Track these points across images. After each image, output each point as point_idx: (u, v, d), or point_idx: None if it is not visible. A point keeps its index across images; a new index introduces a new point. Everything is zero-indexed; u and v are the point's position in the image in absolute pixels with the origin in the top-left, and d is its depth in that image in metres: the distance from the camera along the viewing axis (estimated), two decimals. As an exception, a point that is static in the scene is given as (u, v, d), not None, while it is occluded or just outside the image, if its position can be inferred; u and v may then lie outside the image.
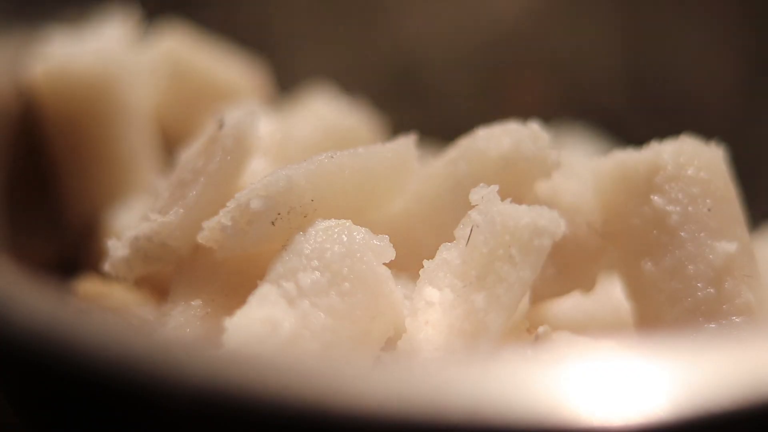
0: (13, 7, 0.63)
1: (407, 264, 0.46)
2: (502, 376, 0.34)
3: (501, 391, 0.33)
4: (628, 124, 0.77)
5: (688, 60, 0.75)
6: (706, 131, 0.78)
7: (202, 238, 0.45)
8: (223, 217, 0.45)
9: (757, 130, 0.75)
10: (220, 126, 0.49)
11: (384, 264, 0.44)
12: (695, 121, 0.76)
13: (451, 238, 0.45)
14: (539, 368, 0.35)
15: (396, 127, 0.71)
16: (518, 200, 0.45)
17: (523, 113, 0.74)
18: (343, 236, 0.44)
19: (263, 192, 0.45)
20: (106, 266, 0.48)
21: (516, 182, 0.48)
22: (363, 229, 0.45)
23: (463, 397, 0.33)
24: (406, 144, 0.48)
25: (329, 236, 0.44)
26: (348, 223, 0.45)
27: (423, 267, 0.45)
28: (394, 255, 0.44)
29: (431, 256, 0.45)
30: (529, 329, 0.45)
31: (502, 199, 0.44)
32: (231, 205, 0.45)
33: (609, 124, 0.77)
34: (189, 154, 0.51)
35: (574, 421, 0.33)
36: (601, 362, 0.35)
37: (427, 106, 0.79)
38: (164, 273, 0.49)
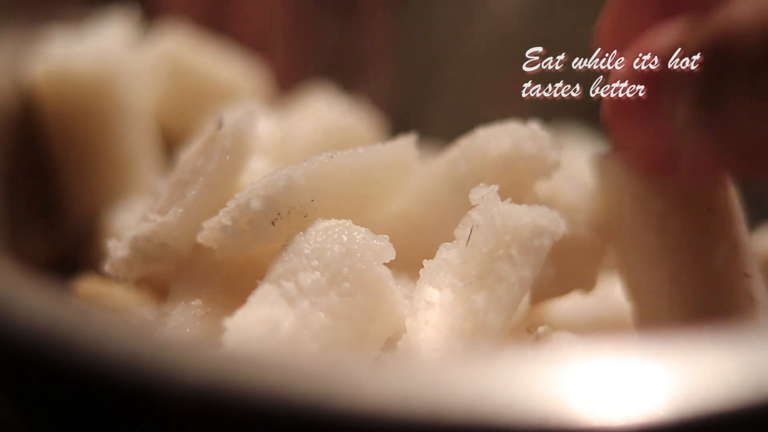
0: (13, 7, 0.63)
1: (407, 264, 0.46)
2: (502, 376, 0.34)
3: (501, 392, 0.33)
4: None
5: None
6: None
7: (202, 238, 0.45)
8: (223, 217, 0.45)
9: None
10: (219, 126, 0.49)
11: (384, 264, 0.44)
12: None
13: (451, 238, 0.45)
14: (539, 368, 0.35)
15: (396, 127, 0.71)
16: (518, 200, 0.45)
17: (523, 113, 0.74)
18: (343, 236, 0.44)
19: (263, 192, 0.45)
20: (107, 267, 0.48)
21: (516, 182, 0.48)
22: (363, 229, 0.45)
23: (463, 398, 0.33)
24: (406, 144, 0.48)
25: (329, 236, 0.44)
26: (348, 223, 0.45)
27: (423, 267, 0.45)
28: (395, 255, 0.44)
29: (431, 256, 0.45)
30: (529, 329, 0.45)
31: (503, 199, 0.44)
32: (231, 205, 0.45)
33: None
34: (188, 154, 0.51)
35: (574, 421, 0.33)
36: (601, 362, 0.35)
37: (427, 106, 0.79)
38: (164, 273, 0.49)
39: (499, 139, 0.48)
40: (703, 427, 0.34)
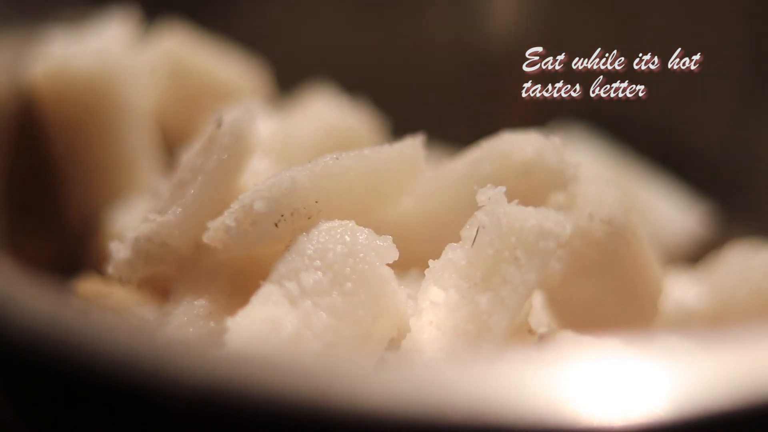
0: (13, 7, 0.63)
1: (418, 263, 0.47)
2: (503, 376, 0.34)
3: (502, 392, 0.33)
4: (627, 125, 0.77)
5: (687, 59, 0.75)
6: (706, 130, 0.78)
7: (207, 238, 0.45)
8: (227, 218, 0.45)
9: (757, 130, 0.75)
10: (218, 125, 0.49)
11: (391, 263, 0.44)
12: (695, 120, 0.76)
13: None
14: (540, 369, 0.35)
15: (396, 128, 0.71)
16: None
17: (523, 113, 0.74)
18: (346, 236, 0.44)
19: (267, 193, 0.45)
20: (110, 269, 0.48)
21: (533, 190, 0.48)
22: (366, 230, 0.45)
23: (464, 398, 0.33)
24: (413, 145, 0.48)
25: (332, 237, 0.44)
26: (351, 223, 0.45)
27: (426, 267, 0.45)
28: (398, 255, 0.44)
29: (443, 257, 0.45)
30: (532, 330, 0.45)
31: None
32: (235, 206, 0.45)
33: (609, 124, 0.77)
34: (189, 155, 0.51)
35: (574, 421, 0.33)
36: (602, 362, 0.35)
37: (427, 106, 0.79)
38: (165, 274, 0.49)
39: (523, 145, 0.48)
40: (703, 427, 0.34)
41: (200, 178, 0.48)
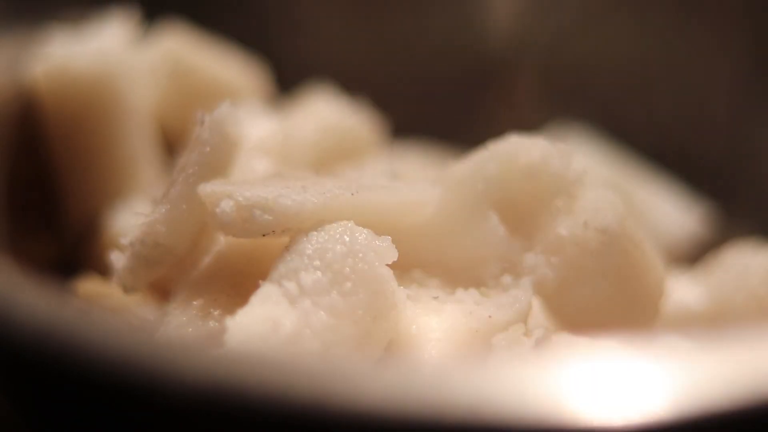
0: (13, 7, 0.63)
1: (418, 263, 0.47)
2: (502, 376, 0.34)
3: (501, 392, 0.33)
4: (627, 125, 0.77)
5: (689, 59, 0.75)
6: (706, 131, 0.78)
7: (212, 220, 0.45)
8: (227, 206, 0.45)
9: (756, 130, 0.75)
10: (202, 123, 0.49)
11: (391, 264, 0.44)
12: (695, 120, 0.76)
13: (466, 234, 0.45)
14: (539, 369, 0.35)
15: (396, 128, 0.71)
16: (536, 212, 0.44)
17: (522, 113, 0.74)
18: (345, 237, 0.44)
19: (272, 204, 0.44)
20: (114, 279, 0.48)
21: (537, 194, 0.48)
22: (365, 230, 0.45)
23: (464, 398, 0.33)
24: (428, 189, 0.48)
25: (331, 236, 0.44)
26: (350, 224, 0.45)
27: (427, 267, 0.45)
28: (397, 256, 0.44)
29: (446, 254, 0.45)
30: (528, 332, 0.45)
31: (523, 211, 0.44)
32: (237, 201, 0.45)
33: (609, 124, 0.77)
34: (181, 156, 0.51)
35: (574, 421, 0.33)
36: (601, 362, 0.35)
37: (428, 106, 0.79)
38: (165, 275, 0.49)
39: (529, 148, 0.48)
40: (703, 427, 0.34)
41: (183, 174, 0.48)
